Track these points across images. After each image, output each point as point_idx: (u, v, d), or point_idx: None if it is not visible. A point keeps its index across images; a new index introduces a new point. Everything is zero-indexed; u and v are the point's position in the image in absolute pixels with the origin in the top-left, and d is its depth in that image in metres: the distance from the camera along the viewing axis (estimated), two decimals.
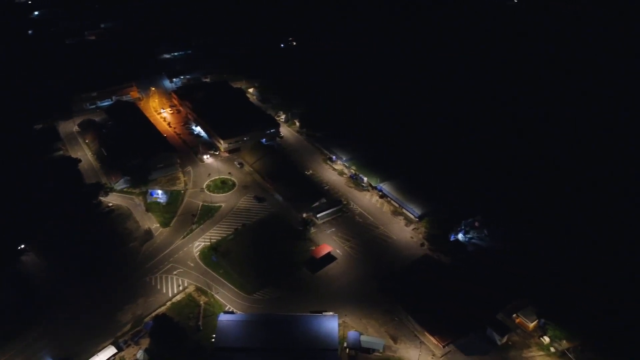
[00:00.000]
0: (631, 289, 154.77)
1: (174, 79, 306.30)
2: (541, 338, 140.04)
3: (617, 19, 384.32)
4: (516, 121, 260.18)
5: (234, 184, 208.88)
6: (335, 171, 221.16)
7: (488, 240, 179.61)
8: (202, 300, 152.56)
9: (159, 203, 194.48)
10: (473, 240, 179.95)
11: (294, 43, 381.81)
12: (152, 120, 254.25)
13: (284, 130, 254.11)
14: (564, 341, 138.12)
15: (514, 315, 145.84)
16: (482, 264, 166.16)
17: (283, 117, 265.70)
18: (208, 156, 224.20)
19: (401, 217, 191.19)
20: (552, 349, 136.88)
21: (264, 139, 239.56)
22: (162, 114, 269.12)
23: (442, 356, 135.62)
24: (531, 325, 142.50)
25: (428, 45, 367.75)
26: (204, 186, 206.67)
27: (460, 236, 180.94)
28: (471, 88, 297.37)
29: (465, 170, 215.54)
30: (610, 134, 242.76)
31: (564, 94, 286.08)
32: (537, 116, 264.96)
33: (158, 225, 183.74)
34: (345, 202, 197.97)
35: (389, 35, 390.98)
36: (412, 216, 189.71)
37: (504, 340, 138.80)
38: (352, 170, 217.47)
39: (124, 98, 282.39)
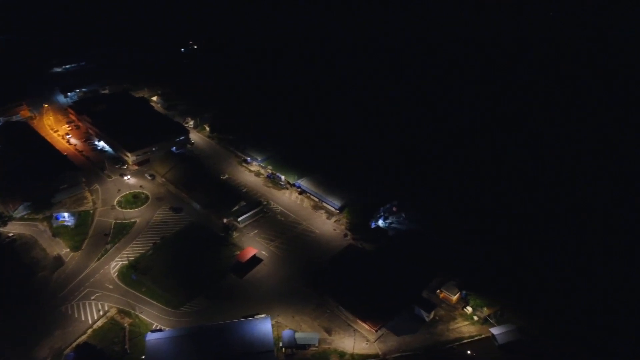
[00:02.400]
0: (537, 252, 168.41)
1: (69, 94, 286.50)
2: (464, 309, 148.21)
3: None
4: (420, 105, 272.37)
5: (146, 197, 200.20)
6: (251, 172, 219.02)
7: (406, 223, 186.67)
8: (126, 322, 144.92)
9: (66, 226, 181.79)
10: (393, 225, 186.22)
11: (195, 47, 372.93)
12: (49, 139, 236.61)
13: (194, 137, 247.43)
14: (485, 308, 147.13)
15: (438, 290, 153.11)
16: (403, 246, 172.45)
17: (192, 123, 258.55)
18: (128, 176, 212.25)
19: (322, 211, 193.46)
20: (476, 317, 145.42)
21: (174, 148, 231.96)
22: (59, 131, 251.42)
23: (375, 340, 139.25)
24: (454, 298, 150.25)
25: (332, 37, 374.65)
26: (115, 203, 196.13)
27: (380, 222, 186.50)
28: (375, 79, 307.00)
29: (379, 158, 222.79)
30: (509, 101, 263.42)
31: (463, 73, 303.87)
32: (440, 97, 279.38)
33: (68, 249, 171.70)
34: (265, 203, 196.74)
35: (292, 29, 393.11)
36: (332, 209, 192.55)
37: (432, 316, 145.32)
38: (268, 170, 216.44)
39: (14, 118, 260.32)
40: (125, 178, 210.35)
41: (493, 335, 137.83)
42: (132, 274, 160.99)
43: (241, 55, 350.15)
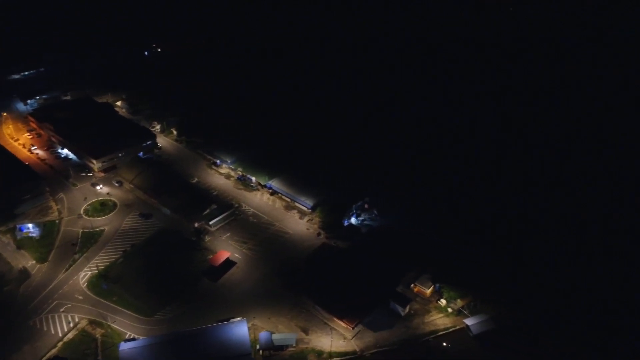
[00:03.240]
0: (507, 243, 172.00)
1: (29, 101, 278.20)
2: (439, 301, 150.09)
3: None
4: (390, 101, 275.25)
5: (114, 205, 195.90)
6: (221, 175, 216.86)
7: (378, 219, 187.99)
8: (98, 332, 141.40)
9: (31, 238, 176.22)
10: (365, 222, 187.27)
11: (159, 50, 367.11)
12: (9, 149, 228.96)
13: (161, 141, 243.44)
14: (459, 300, 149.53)
15: (412, 285, 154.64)
16: (376, 242, 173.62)
17: (158, 127, 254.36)
18: (101, 186, 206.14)
19: (294, 211, 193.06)
20: (450, 309, 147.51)
21: (141, 153, 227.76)
22: (19, 140, 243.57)
23: (352, 337, 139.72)
24: (428, 291, 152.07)
25: (298, 39, 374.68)
26: (82, 211, 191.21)
27: (353, 220, 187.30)
28: (342, 78, 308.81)
29: (349, 156, 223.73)
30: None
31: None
32: (406, 93, 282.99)
33: (34, 262, 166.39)
34: (237, 205, 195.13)
35: (258, 30, 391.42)
36: (304, 208, 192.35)
37: (407, 310, 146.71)
38: (239, 172, 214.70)
39: None
40: (98, 188, 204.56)
41: (467, 326, 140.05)
42: (103, 283, 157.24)
43: (206, 56, 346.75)
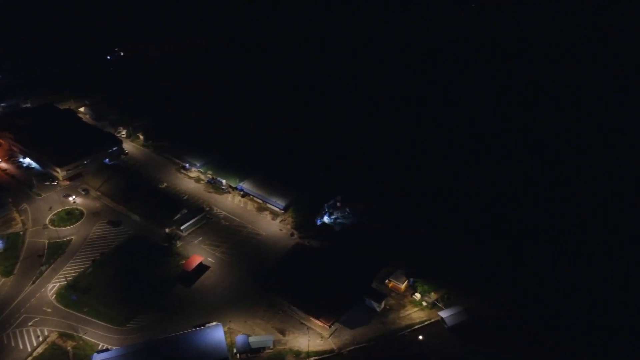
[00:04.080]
0: (479, 236, 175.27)
1: None
2: (413, 295, 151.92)
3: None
4: (351, 98, 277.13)
5: (81, 213, 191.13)
6: (191, 179, 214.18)
7: (351, 217, 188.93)
8: (69, 345, 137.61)
9: None
10: (338, 220, 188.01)
11: (122, 53, 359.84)
12: None
13: (128, 146, 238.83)
14: (433, 293, 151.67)
15: (387, 280, 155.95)
16: (349, 240, 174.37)
17: (124, 132, 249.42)
18: (74, 197, 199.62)
19: (267, 212, 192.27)
20: (424, 303, 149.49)
21: (107, 159, 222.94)
22: None
23: (330, 336, 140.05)
24: (403, 286, 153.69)
25: (263, 37, 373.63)
26: (47, 222, 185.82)
27: (325, 219, 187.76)
28: (310, 75, 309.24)
29: (320, 155, 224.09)
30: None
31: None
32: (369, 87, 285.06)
33: None
34: (208, 209, 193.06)
35: (219, 32, 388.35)
36: (277, 209, 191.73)
37: (382, 306, 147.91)
38: (209, 175, 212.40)
39: None
40: (70, 199, 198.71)
41: (442, 318, 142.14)
42: (72, 294, 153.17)
43: (169, 59, 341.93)
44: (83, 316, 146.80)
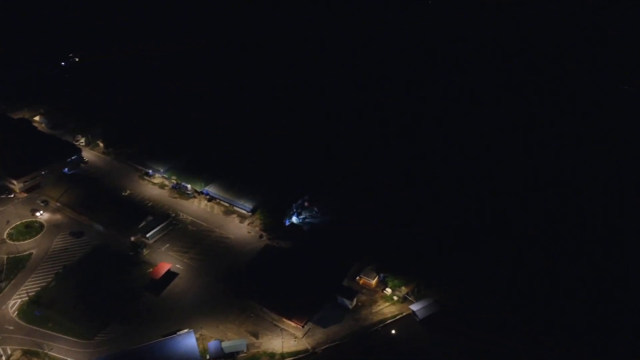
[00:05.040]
0: (447, 231, 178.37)
1: None
2: (384, 291, 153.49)
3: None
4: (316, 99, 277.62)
5: (41, 226, 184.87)
6: (155, 185, 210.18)
7: (319, 216, 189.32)
8: None
9: None
10: (307, 220, 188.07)
11: (77, 59, 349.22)
12: None
13: (88, 155, 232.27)
14: (403, 287, 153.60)
15: (358, 277, 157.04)
16: (319, 239, 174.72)
17: (83, 140, 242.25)
18: (41, 212, 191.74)
19: (234, 215, 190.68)
20: (395, 297, 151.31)
21: (66, 169, 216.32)
22: None
23: (303, 336, 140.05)
24: (373, 282, 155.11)
25: (227, 40, 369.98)
26: (5, 236, 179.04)
27: (294, 219, 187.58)
28: (271, 75, 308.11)
29: (284, 155, 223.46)
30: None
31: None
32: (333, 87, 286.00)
33: None
34: (174, 215, 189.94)
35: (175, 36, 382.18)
36: (244, 212, 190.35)
37: (354, 303, 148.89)
38: (173, 181, 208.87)
39: None
40: (38, 214, 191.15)
41: (413, 311, 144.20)
42: (35, 309, 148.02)
43: (125, 63, 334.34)
44: (48, 332, 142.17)
